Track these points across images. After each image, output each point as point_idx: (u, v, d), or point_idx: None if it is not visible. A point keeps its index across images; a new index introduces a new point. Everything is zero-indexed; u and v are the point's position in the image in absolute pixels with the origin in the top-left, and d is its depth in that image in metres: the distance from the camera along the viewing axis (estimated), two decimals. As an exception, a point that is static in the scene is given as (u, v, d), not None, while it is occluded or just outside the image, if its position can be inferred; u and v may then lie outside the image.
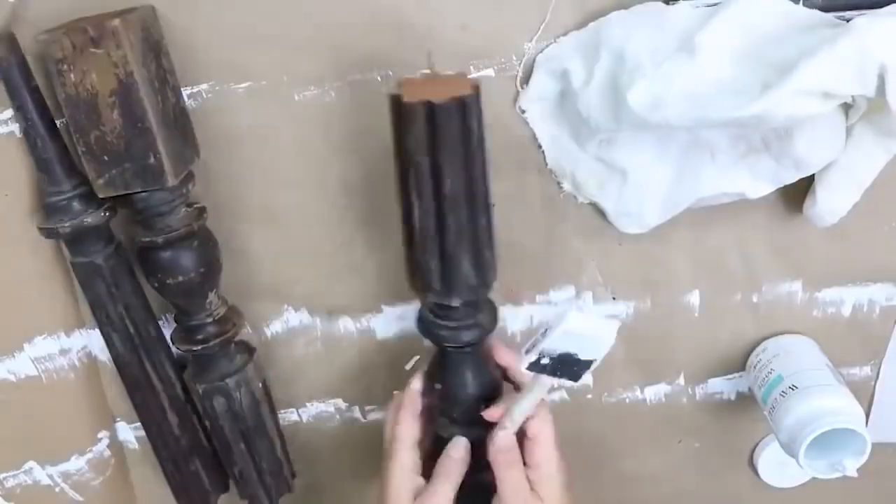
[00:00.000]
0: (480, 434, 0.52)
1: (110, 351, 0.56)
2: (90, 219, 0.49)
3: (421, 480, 0.53)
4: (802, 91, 0.42)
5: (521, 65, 0.50)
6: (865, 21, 0.42)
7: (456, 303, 0.47)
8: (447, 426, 0.53)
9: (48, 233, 0.50)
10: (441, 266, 0.45)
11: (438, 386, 0.52)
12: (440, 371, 0.52)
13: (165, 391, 0.58)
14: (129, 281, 0.54)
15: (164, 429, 0.59)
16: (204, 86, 0.51)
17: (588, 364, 0.45)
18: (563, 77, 0.50)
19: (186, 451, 0.60)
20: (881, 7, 0.45)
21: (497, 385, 0.53)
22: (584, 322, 0.43)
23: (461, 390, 0.52)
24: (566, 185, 0.54)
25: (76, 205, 0.50)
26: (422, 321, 0.51)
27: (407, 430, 0.53)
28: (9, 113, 0.49)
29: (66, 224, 0.49)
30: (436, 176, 0.42)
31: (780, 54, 0.43)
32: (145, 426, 0.60)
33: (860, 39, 0.41)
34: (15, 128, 0.49)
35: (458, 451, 0.53)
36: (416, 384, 0.54)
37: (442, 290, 0.46)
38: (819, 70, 0.41)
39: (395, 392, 0.56)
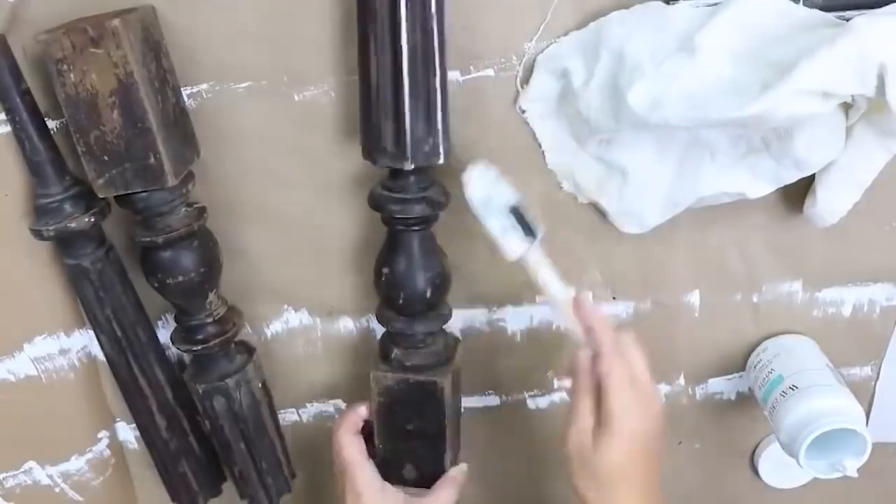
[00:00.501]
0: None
1: (102, 352, 0.56)
2: (74, 223, 0.49)
3: (401, 495, 0.56)
4: (802, 91, 0.42)
5: (521, 65, 0.50)
6: (865, 21, 0.42)
7: (409, 166, 0.48)
8: (393, 319, 0.54)
9: (36, 234, 0.50)
10: (395, 126, 0.46)
11: (386, 270, 0.52)
12: (388, 255, 0.52)
13: (154, 395, 0.58)
14: (119, 284, 0.54)
15: (152, 431, 0.59)
16: (204, 86, 0.51)
17: (520, 208, 0.47)
18: (563, 77, 0.50)
19: (175, 453, 0.60)
20: (881, 7, 0.45)
21: (446, 274, 0.53)
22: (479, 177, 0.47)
23: (409, 274, 0.51)
24: (566, 186, 0.54)
25: (67, 207, 0.49)
26: (372, 195, 0.51)
27: (355, 450, 0.56)
28: (8, 113, 0.49)
29: (51, 228, 0.49)
30: (394, 27, 0.44)
31: (779, 54, 0.43)
32: (138, 427, 0.60)
33: (860, 39, 0.41)
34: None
35: (460, 472, 0.58)
36: (363, 410, 0.57)
37: (396, 152, 0.47)
38: (819, 69, 0.41)
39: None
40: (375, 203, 0.51)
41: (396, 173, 0.49)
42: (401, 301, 0.52)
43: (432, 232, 0.52)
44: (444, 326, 0.56)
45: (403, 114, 0.46)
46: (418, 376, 0.55)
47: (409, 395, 0.55)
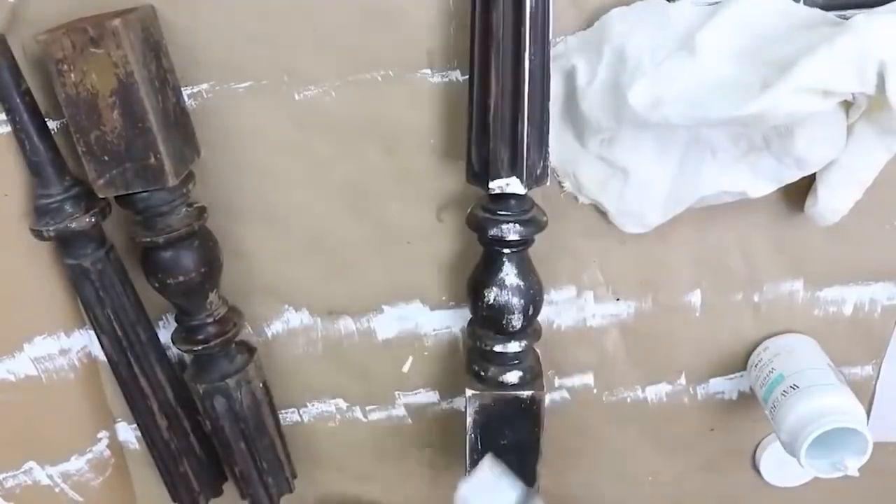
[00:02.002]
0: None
1: (103, 352, 0.56)
2: (74, 224, 0.49)
3: None
4: (802, 89, 0.42)
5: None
6: (864, 18, 0.42)
7: (523, 191, 0.48)
8: (490, 339, 0.55)
9: (36, 235, 0.50)
10: (511, 151, 0.47)
11: (488, 292, 0.52)
12: (490, 277, 0.52)
13: (155, 395, 0.57)
14: (119, 284, 0.54)
15: (153, 431, 0.59)
16: (204, 85, 0.51)
17: None
18: (567, 76, 0.50)
19: (176, 453, 0.60)
20: (881, 5, 0.45)
21: (542, 293, 0.54)
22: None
23: (512, 296, 0.52)
24: (567, 185, 0.54)
25: (67, 207, 0.49)
26: (474, 218, 0.51)
27: None
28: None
29: (51, 228, 0.49)
30: (517, 53, 0.45)
31: (780, 53, 0.43)
32: (139, 427, 0.60)
33: (859, 37, 0.41)
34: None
35: None
36: None
37: (511, 177, 0.48)
38: (818, 67, 0.41)
39: None
40: (478, 225, 0.51)
41: (501, 196, 0.50)
42: (503, 323, 0.52)
43: (528, 252, 0.53)
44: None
45: (522, 139, 0.47)
46: (517, 392, 0.55)
47: (506, 411, 0.56)
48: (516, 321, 0.53)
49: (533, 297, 0.53)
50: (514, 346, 0.55)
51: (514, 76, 0.46)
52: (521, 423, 0.56)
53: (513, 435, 0.57)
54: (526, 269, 0.53)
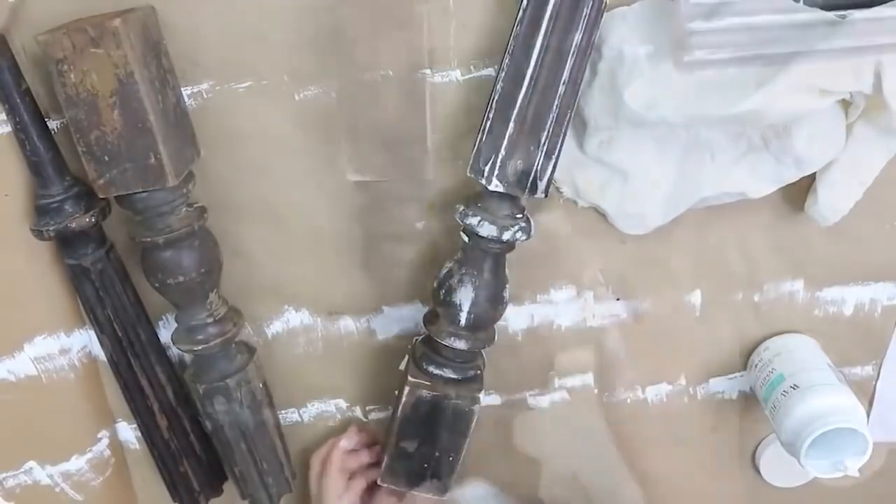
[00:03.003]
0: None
1: (103, 352, 0.56)
2: (75, 223, 0.49)
3: None
4: (797, 87, 0.42)
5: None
6: (862, 18, 0.42)
7: (525, 198, 0.49)
8: (450, 333, 0.54)
9: (36, 234, 0.50)
10: (525, 163, 0.48)
11: (460, 286, 0.52)
12: (466, 272, 0.52)
13: (155, 395, 0.58)
14: (119, 284, 0.54)
15: (153, 431, 0.59)
16: (204, 85, 0.51)
17: None
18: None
19: (176, 453, 0.60)
20: (879, 5, 0.45)
21: (507, 299, 0.54)
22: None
23: (485, 294, 0.52)
24: (566, 191, 0.54)
25: (68, 207, 0.49)
26: (465, 214, 0.51)
27: (334, 484, 0.60)
28: (9, 113, 0.49)
29: (51, 228, 0.49)
30: (561, 52, 0.46)
31: (778, 52, 0.43)
32: (139, 427, 0.60)
33: (856, 36, 0.41)
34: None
35: None
36: (346, 443, 0.61)
37: (517, 184, 0.49)
38: (814, 66, 0.41)
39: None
40: (468, 220, 0.50)
41: (496, 196, 0.50)
42: (469, 319, 0.52)
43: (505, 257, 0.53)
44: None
45: (539, 145, 0.47)
46: (456, 395, 0.55)
47: (441, 410, 0.55)
48: (484, 322, 0.53)
49: (503, 301, 0.53)
50: (469, 346, 0.54)
51: (551, 75, 0.46)
52: (455, 424, 0.56)
53: (444, 433, 0.56)
54: (503, 272, 0.53)
